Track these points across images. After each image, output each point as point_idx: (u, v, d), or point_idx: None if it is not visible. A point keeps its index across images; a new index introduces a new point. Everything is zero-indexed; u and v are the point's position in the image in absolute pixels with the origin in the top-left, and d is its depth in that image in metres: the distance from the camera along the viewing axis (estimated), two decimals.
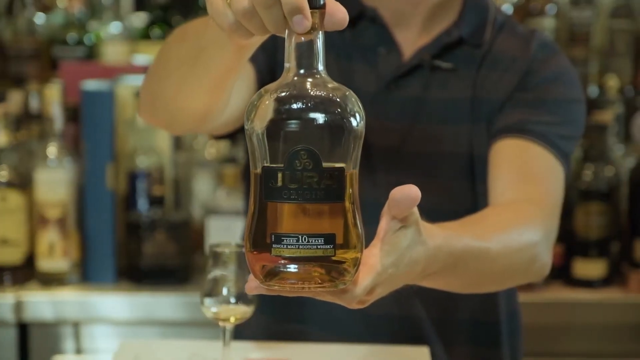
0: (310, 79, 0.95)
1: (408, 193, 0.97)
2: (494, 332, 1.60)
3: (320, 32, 0.95)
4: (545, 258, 1.37)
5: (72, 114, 2.30)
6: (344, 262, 0.94)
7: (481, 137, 1.54)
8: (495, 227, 1.29)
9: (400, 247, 1.00)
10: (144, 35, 2.59)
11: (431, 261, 1.07)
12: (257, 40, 1.08)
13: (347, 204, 0.94)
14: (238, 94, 1.44)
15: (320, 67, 0.96)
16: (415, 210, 1.01)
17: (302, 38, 0.95)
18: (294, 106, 0.93)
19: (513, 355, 1.63)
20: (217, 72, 1.19)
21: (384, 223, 1.00)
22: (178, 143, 2.43)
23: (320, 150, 0.92)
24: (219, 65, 1.17)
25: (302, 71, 0.95)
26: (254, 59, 1.50)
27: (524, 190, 1.43)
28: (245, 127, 0.96)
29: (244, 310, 1.32)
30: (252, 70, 1.50)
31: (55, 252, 2.18)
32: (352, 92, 0.96)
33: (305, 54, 0.95)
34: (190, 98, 1.27)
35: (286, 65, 0.96)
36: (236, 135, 1.61)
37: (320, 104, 0.93)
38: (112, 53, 2.51)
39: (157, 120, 1.42)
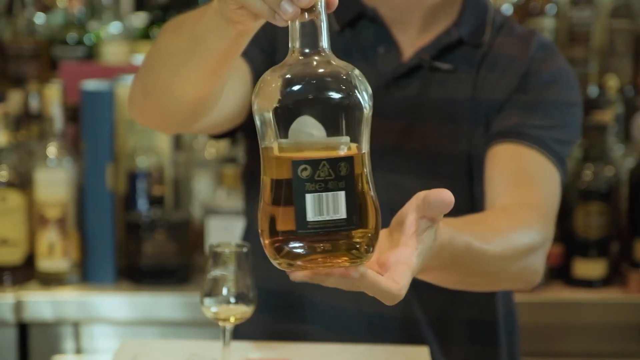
0: (316, 57, 0.95)
1: (442, 198, 0.98)
2: (492, 332, 1.60)
3: (324, 10, 0.96)
4: (539, 266, 1.37)
5: (72, 114, 2.30)
6: None
7: (480, 138, 1.54)
8: (496, 229, 1.29)
9: (428, 245, 1.02)
10: (144, 35, 2.59)
11: (435, 257, 1.07)
12: (259, 24, 1.08)
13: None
14: (234, 94, 1.44)
15: (325, 45, 0.96)
16: None
17: (306, 16, 0.95)
18: (301, 85, 0.94)
19: (511, 355, 1.63)
20: (215, 58, 1.19)
21: (413, 221, 1.00)
22: (178, 143, 2.43)
23: (332, 127, 0.94)
24: (217, 51, 1.17)
25: (307, 50, 0.96)
26: (251, 59, 1.50)
27: (521, 195, 1.43)
28: (253, 108, 0.96)
29: (244, 310, 1.32)
30: (249, 71, 1.50)
31: (55, 252, 2.18)
32: (357, 69, 0.97)
33: (310, 33, 0.96)
34: (184, 86, 1.26)
35: (291, 45, 0.96)
36: (236, 134, 1.61)
37: (327, 82, 0.94)
38: (112, 53, 2.50)
39: (148, 114, 1.40)
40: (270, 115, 0.94)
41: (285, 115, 0.94)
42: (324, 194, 0.94)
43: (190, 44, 1.20)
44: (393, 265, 0.98)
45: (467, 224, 1.25)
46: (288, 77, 0.94)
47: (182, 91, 1.27)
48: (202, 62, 1.20)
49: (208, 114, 1.35)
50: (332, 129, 0.94)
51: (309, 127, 0.94)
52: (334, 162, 0.94)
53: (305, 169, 0.94)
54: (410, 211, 1.01)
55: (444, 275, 1.23)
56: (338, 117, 0.94)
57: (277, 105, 0.94)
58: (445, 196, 0.98)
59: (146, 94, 1.34)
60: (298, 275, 0.96)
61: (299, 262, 0.95)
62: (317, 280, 0.97)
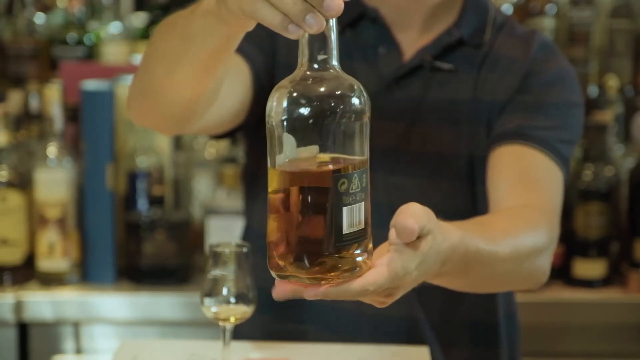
0: (323, 73, 0.96)
1: (405, 225, 0.98)
2: (493, 333, 1.60)
3: (335, 25, 0.96)
4: (546, 265, 1.38)
5: (72, 114, 2.30)
6: None
7: (481, 139, 1.53)
8: (504, 231, 1.29)
9: (422, 251, 1.02)
10: (144, 35, 2.59)
11: (446, 260, 1.07)
12: (250, 25, 1.08)
13: None
14: (233, 94, 1.44)
15: (334, 61, 0.96)
16: (429, 217, 1.02)
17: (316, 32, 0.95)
18: (306, 101, 0.94)
19: (511, 356, 1.63)
20: (207, 56, 1.19)
21: (392, 238, 1.00)
22: (178, 143, 2.43)
23: (333, 143, 0.94)
24: (207, 51, 1.17)
25: (315, 65, 0.96)
26: (251, 60, 1.50)
27: (526, 196, 1.43)
28: (266, 122, 0.97)
29: (244, 310, 1.32)
30: (249, 72, 1.50)
31: (55, 252, 2.18)
32: (361, 86, 0.97)
33: (318, 48, 0.96)
34: (178, 86, 1.26)
35: (300, 59, 0.97)
36: (236, 135, 1.61)
37: (335, 99, 0.94)
38: (112, 53, 2.51)
39: (146, 115, 1.40)
40: (275, 131, 0.95)
41: (289, 132, 0.94)
42: (354, 205, 0.96)
43: (182, 44, 1.20)
44: (372, 268, 0.99)
45: (475, 226, 1.25)
46: (294, 93, 0.94)
47: (177, 91, 1.27)
48: (195, 61, 1.20)
49: (205, 114, 1.35)
50: (339, 144, 0.95)
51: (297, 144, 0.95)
52: (361, 174, 0.96)
53: (343, 182, 0.95)
54: (392, 223, 1.01)
55: (458, 279, 1.24)
56: (347, 133, 0.95)
57: (282, 121, 0.94)
58: (408, 224, 0.98)
59: (143, 95, 1.34)
60: (285, 289, 0.97)
61: (304, 274, 0.96)
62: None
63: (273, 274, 0.99)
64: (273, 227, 0.97)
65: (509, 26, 1.59)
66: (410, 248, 1.00)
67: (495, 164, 1.48)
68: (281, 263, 0.97)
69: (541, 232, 1.36)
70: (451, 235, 1.08)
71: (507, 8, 2.52)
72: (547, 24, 2.53)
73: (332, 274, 0.96)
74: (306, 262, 0.95)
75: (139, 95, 1.36)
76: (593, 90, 2.52)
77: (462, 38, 1.55)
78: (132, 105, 1.39)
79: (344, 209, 0.95)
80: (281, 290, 0.99)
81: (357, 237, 0.96)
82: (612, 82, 2.46)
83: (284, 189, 0.96)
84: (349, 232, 0.95)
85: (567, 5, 2.58)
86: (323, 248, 0.95)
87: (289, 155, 0.95)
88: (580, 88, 1.59)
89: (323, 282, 0.96)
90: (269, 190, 0.97)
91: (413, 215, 0.99)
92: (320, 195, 0.95)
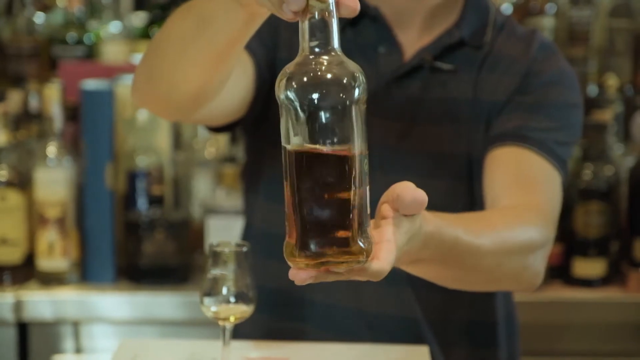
0: (325, 57, 0.95)
1: (415, 198, 1.00)
2: (492, 333, 1.60)
3: (334, 10, 0.96)
4: (539, 267, 1.36)
5: (72, 114, 2.30)
6: None
7: (480, 139, 1.53)
8: (493, 226, 1.29)
9: (415, 226, 1.04)
10: (144, 34, 2.59)
11: (423, 246, 1.08)
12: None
13: None
14: (236, 86, 1.44)
15: (335, 44, 0.96)
16: None
17: (316, 16, 0.95)
18: (308, 85, 0.94)
19: (510, 356, 1.63)
20: (222, 42, 1.18)
21: (388, 206, 1.01)
22: (177, 142, 2.43)
23: (343, 125, 0.94)
24: (225, 35, 1.17)
25: (317, 49, 0.96)
26: (253, 53, 1.50)
27: (522, 198, 1.42)
28: (280, 108, 0.97)
29: (244, 310, 1.33)
30: (251, 65, 1.50)
31: (54, 252, 2.18)
32: (361, 70, 0.97)
33: (319, 32, 0.96)
34: (189, 70, 1.26)
35: (301, 43, 0.96)
36: (234, 129, 1.60)
37: (335, 84, 0.94)
38: (112, 52, 2.51)
39: (150, 99, 1.39)
40: (293, 112, 0.95)
41: (293, 116, 0.94)
42: (368, 186, 0.96)
43: (198, 26, 1.20)
44: (377, 244, 0.99)
45: (459, 218, 1.25)
46: (296, 78, 0.94)
47: (187, 75, 1.27)
48: (209, 45, 1.20)
49: (210, 103, 1.35)
50: (348, 127, 0.95)
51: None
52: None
53: (366, 163, 0.96)
54: (384, 202, 1.02)
55: (439, 270, 1.23)
56: (353, 116, 0.95)
57: (286, 106, 0.94)
58: (418, 196, 1.00)
59: (150, 78, 1.33)
60: (307, 275, 0.96)
61: (322, 260, 0.95)
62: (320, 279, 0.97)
63: (299, 263, 0.95)
64: (298, 214, 0.94)
65: (509, 26, 1.59)
66: (408, 221, 1.01)
67: (492, 166, 1.48)
68: (307, 250, 0.94)
69: (534, 230, 1.35)
70: (429, 223, 1.09)
71: (506, 7, 2.52)
72: (546, 23, 2.53)
73: (354, 256, 0.95)
74: (335, 245, 0.94)
75: (145, 78, 1.35)
76: (592, 90, 2.52)
77: (463, 38, 1.55)
78: (137, 88, 1.37)
79: (367, 190, 0.95)
80: (304, 275, 0.95)
81: (369, 219, 0.97)
82: (612, 82, 2.46)
83: (311, 172, 0.94)
84: (368, 212, 0.96)
85: (566, 5, 2.59)
86: (357, 229, 0.94)
87: (305, 138, 0.94)
88: (580, 88, 1.59)
89: (345, 264, 0.95)
90: (289, 175, 0.95)
91: (414, 188, 1.00)
92: (348, 176, 0.94)
